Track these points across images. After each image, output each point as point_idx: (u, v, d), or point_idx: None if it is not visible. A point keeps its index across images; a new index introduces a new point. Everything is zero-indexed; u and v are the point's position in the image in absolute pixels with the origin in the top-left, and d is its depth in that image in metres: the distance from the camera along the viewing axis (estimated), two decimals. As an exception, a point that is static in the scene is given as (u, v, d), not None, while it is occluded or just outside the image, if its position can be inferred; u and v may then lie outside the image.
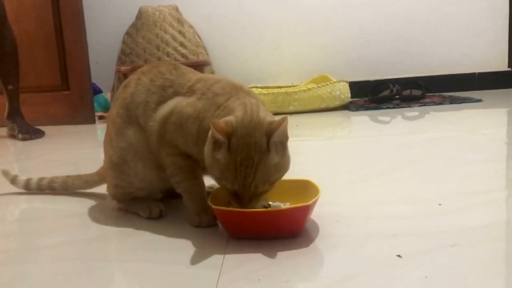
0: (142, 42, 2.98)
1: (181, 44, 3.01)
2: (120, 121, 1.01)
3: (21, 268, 0.82)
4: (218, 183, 0.86)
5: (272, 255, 0.78)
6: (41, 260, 0.85)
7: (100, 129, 2.64)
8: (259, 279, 0.70)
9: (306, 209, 0.83)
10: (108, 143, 1.05)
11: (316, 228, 0.88)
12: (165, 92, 0.98)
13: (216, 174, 0.84)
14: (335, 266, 0.74)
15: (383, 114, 2.46)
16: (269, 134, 0.81)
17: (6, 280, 0.77)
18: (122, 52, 3.04)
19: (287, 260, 0.76)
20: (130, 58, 3.00)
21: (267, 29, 3.22)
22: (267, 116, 0.85)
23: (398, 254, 0.75)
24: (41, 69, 2.75)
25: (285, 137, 0.84)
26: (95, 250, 0.89)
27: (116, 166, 1.01)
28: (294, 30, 3.22)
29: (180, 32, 3.02)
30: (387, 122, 2.27)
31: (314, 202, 0.83)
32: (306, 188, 0.93)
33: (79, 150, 2.04)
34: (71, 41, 2.70)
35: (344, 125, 2.41)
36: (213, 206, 0.84)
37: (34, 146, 2.19)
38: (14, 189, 1.27)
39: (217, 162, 0.82)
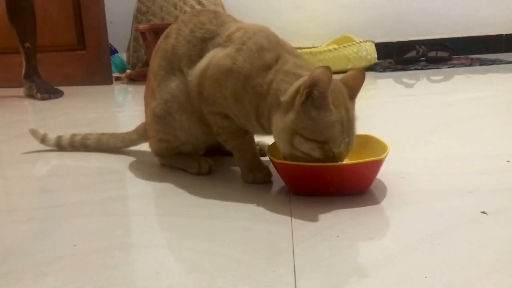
0: (159, 0, 2.88)
1: (199, 3, 2.89)
2: (164, 73, 0.94)
3: (61, 223, 0.76)
4: (309, 151, 0.74)
5: (342, 212, 0.72)
6: (79, 215, 0.79)
7: (118, 90, 2.57)
8: (338, 236, 0.64)
9: (378, 163, 0.77)
10: (150, 95, 0.98)
11: (381, 185, 0.82)
12: (206, 45, 0.91)
13: (318, 137, 0.73)
14: (417, 222, 0.68)
15: (414, 75, 2.37)
16: (350, 94, 0.79)
17: (40, 236, 0.71)
18: (138, 11, 2.93)
19: (360, 217, 0.71)
20: (146, 17, 2.89)
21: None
22: None
23: (482, 210, 0.69)
24: (56, 27, 2.66)
25: None
26: (142, 206, 0.83)
27: (160, 118, 0.95)
28: (315, -11, 3.10)
29: (198, -11, 2.91)
30: (419, 82, 2.19)
31: (386, 156, 0.77)
32: (366, 144, 0.87)
33: (102, 109, 1.97)
34: (87, -2, 2.60)
35: (370, 86, 2.33)
36: (278, 161, 0.78)
37: (54, 105, 2.12)
38: (43, 148, 1.22)
39: (320, 122, 0.73)
